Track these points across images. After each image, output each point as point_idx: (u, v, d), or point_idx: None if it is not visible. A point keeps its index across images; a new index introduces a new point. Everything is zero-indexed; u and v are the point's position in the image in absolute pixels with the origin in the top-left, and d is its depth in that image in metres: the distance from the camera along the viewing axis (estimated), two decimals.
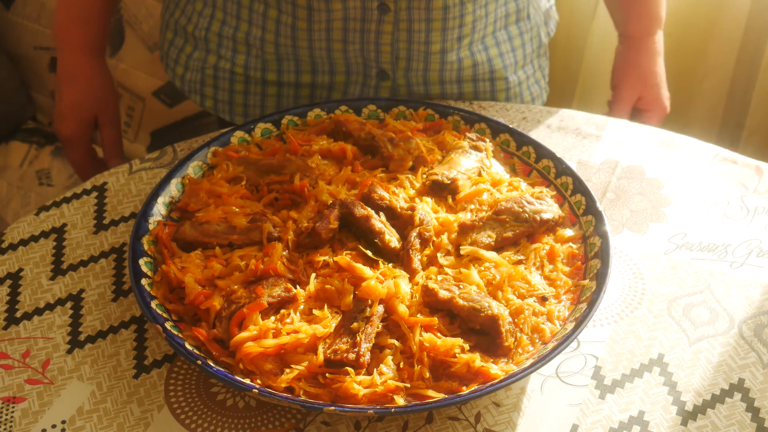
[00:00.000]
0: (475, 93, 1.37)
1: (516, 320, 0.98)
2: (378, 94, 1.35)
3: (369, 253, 1.03)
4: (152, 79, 1.92)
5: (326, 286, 0.99)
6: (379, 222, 1.05)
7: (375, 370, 0.92)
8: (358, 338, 0.93)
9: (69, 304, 1.08)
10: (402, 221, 1.06)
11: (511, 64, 1.38)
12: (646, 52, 1.48)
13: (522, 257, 1.05)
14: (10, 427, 0.96)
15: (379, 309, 0.96)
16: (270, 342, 0.94)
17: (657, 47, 1.49)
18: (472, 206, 1.10)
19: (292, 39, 1.31)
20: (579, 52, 1.97)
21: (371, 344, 0.94)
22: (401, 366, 0.93)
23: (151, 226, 1.07)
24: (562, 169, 1.14)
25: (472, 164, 1.15)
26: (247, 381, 0.92)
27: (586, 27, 1.92)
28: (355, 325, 0.94)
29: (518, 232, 1.07)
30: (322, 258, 1.02)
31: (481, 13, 1.31)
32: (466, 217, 1.08)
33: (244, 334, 0.94)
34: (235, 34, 1.34)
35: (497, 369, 0.93)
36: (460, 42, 1.32)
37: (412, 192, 1.12)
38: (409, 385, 0.92)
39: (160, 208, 1.10)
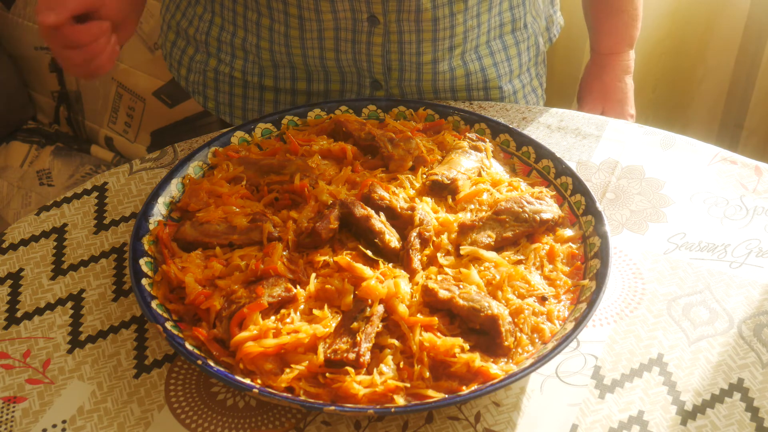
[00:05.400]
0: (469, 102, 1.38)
1: (516, 320, 0.98)
2: None
3: (369, 253, 1.03)
4: (153, 79, 1.92)
5: (326, 286, 0.99)
6: (379, 222, 1.05)
7: (375, 369, 0.92)
8: (358, 338, 0.93)
9: (69, 304, 1.08)
10: (402, 221, 1.07)
11: (505, 73, 1.38)
12: (611, 68, 1.51)
13: (522, 257, 1.05)
14: (11, 426, 0.96)
15: (379, 309, 0.96)
16: (270, 342, 0.94)
17: (624, 65, 1.51)
18: (472, 206, 1.10)
19: (286, 47, 1.31)
20: (579, 55, 1.97)
21: (371, 344, 0.94)
22: (401, 366, 0.93)
23: (151, 226, 1.07)
24: (562, 169, 1.14)
25: (472, 164, 1.15)
26: (248, 381, 0.92)
27: (586, 31, 1.92)
28: (355, 325, 0.94)
29: (518, 232, 1.07)
30: (322, 258, 1.02)
31: (473, 23, 1.30)
32: (466, 217, 1.08)
33: (244, 334, 0.94)
34: (232, 40, 1.34)
35: (497, 369, 0.93)
36: (452, 52, 1.32)
37: (412, 192, 1.12)
38: (409, 385, 0.92)
39: (160, 208, 1.10)
